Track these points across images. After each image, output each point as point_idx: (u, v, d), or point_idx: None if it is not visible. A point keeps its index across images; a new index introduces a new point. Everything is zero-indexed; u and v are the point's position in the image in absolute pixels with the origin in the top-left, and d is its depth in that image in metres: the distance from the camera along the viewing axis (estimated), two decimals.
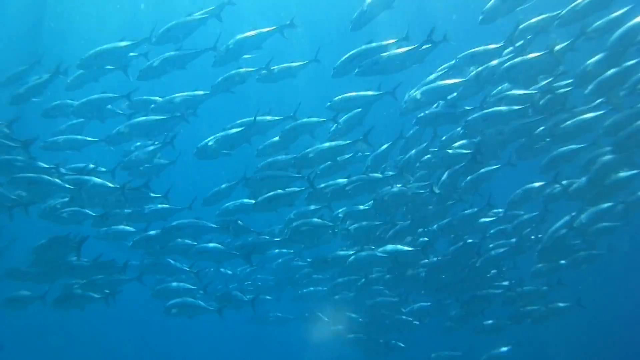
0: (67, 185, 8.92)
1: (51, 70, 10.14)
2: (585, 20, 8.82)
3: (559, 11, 8.95)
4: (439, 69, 10.34)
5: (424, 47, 9.13)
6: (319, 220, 10.45)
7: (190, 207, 10.64)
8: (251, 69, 10.16)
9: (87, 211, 9.78)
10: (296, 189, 10.11)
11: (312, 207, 11.03)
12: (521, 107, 9.26)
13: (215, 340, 26.02)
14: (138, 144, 10.87)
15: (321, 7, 20.83)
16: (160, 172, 10.75)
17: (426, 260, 11.68)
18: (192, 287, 11.30)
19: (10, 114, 9.48)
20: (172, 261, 10.95)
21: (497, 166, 10.44)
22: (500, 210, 11.40)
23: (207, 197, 11.45)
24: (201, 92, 10.15)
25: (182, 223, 10.37)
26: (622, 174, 9.76)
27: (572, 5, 8.76)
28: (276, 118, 10.23)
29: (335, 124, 10.38)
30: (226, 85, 10.20)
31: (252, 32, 9.86)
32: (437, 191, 10.30)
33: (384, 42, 9.32)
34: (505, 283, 12.51)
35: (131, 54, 9.89)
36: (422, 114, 9.67)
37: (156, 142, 10.52)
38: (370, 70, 9.26)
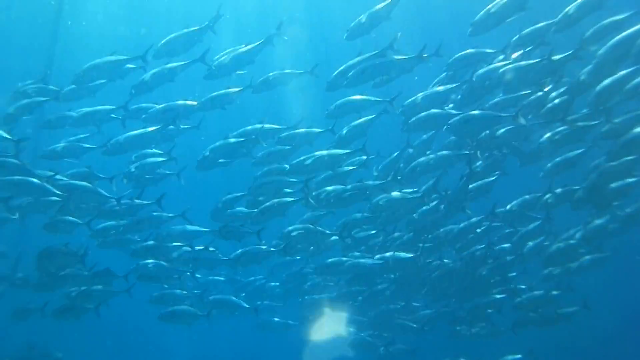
0: (55, 190, 8.95)
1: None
2: (584, 30, 8.74)
3: (553, 20, 8.91)
4: (437, 80, 10.37)
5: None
6: (313, 227, 10.41)
7: (183, 215, 10.73)
8: (237, 89, 10.22)
9: (77, 220, 9.87)
10: (289, 199, 10.09)
11: (318, 215, 11.02)
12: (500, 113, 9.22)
13: (219, 345, 26.15)
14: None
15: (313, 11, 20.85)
16: (159, 181, 10.86)
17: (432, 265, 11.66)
18: (189, 294, 11.33)
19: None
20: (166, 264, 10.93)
21: (494, 177, 10.43)
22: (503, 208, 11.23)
23: (214, 210, 11.41)
24: (194, 102, 10.26)
25: (176, 229, 10.49)
26: (622, 182, 9.59)
27: (566, 10, 8.66)
28: (276, 127, 10.25)
29: (337, 134, 10.38)
30: (212, 104, 10.28)
31: (244, 48, 9.96)
32: (427, 196, 10.25)
33: (374, 52, 9.37)
34: (512, 286, 12.40)
35: (128, 65, 10.02)
36: (411, 120, 9.64)
37: (157, 151, 10.66)
38: (357, 80, 9.31)
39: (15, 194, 9.09)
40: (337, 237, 10.50)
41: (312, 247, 11.20)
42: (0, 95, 10.98)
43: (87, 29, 22.41)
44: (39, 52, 21.00)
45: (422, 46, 9.35)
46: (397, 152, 11.03)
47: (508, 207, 10.98)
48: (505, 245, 11.88)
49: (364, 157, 10.29)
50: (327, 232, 10.38)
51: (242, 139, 10.13)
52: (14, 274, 11.63)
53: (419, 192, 10.27)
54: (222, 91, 10.28)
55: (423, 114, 9.46)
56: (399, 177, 10.30)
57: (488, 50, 9.67)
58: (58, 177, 9.23)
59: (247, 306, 11.89)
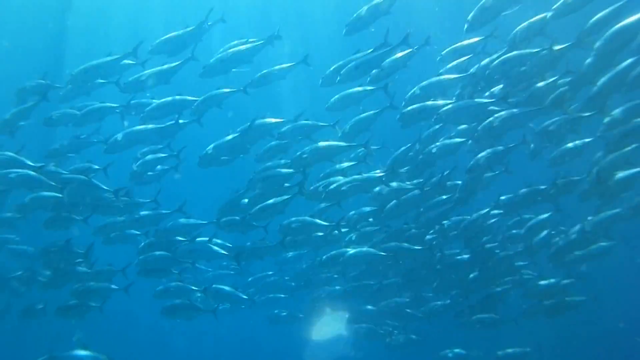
0: (49, 182, 9.03)
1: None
2: (584, 26, 8.52)
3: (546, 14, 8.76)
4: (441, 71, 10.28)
5: (404, 52, 9.19)
6: (310, 219, 10.41)
7: (181, 210, 10.79)
8: (231, 90, 10.10)
9: (75, 216, 9.96)
10: (286, 196, 10.04)
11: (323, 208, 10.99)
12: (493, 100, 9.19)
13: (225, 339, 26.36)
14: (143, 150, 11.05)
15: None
16: (161, 178, 10.94)
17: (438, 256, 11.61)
18: (195, 288, 11.33)
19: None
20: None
21: (494, 173, 10.35)
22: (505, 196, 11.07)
23: (221, 207, 11.25)
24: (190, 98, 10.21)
25: (178, 224, 10.59)
26: (626, 173, 9.40)
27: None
28: (277, 121, 10.21)
29: (342, 128, 10.29)
30: (206, 105, 10.16)
31: (241, 47, 9.85)
32: (426, 188, 10.22)
33: (370, 51, 9.34)
34: (518, 277, 12.30)
35: (126, 61, 10.04)
36: (405, 111, 9.56)
37: (160, 147, 10.72)
38: (351, 76, 9.29)
39: (10, 186, 9.18)
40: (336, 230, 10.46)
41: (313, 240, 11.11)
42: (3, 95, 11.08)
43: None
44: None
45: (421, 42, 9.41)
46: (405, 147, 10.91)
47: (509, 198, 10.83)
48: (514, 231, 11.78)
49: (364, 150, 10.17)
50: (324, 223, 10.33)
51: (242, 134, 10.06)
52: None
53: (422, 183, 10.25)
54: (216, 91, 10.14)
55: (416, 105, 9.42)
56: (400, 170, 10.30)
57: (479, 39, 9.71)
58: (54, 169, 9.34)
59: (245, 297, 11.81)
